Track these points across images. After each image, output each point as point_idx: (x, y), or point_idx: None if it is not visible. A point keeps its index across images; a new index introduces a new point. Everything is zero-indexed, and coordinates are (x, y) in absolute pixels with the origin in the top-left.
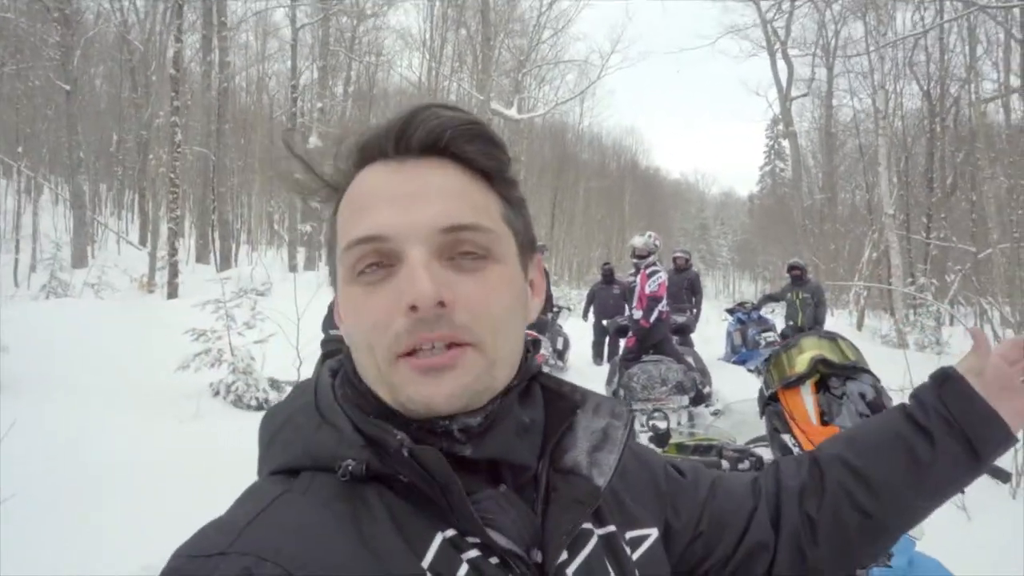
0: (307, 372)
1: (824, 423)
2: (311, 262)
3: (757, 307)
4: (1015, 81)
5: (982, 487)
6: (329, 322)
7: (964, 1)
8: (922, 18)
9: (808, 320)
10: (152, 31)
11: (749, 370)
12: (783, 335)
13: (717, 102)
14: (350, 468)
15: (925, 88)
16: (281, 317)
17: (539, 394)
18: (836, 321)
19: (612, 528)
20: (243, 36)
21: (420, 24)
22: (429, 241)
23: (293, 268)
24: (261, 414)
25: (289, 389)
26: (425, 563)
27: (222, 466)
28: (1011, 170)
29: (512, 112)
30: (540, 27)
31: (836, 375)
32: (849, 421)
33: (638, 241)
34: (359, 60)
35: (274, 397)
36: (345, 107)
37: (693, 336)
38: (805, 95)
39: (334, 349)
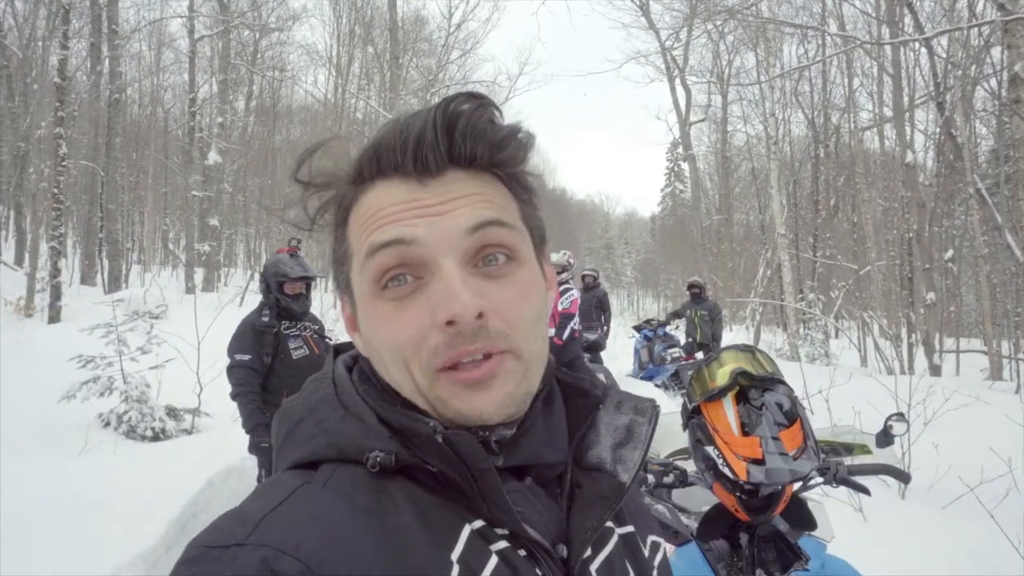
0: (208, 398)
1: (745, 433)
2: (209, 283)
3: (664, 323)
4: (888, 112)
5: (876, 491)
6: (236, 346)
7: (843, 38)
8: (806, 51)
9: (706, 336)
10: (32, 36)
11: (656, 385)
12: (687, 350)
13: (620, 126)
14: (379, 459)
15: (810, 117)
16: (179, 341)
17: (558, 392)
18: (735, 336)
19: (631, 528)
20: (136, 46)
21: (326, 40)
22: (458, 247)
23: (191, 290)
24: (157, 445)
25: (188, 418)
26: (454, 555)
27: (114, 504)
28: (885, 194)
29: None
30: (448, 47)
31: (755, 387)
32: (768, 431)
33: (553, 258)
34: (261, 75)
35: (172, 427)
36: (247, 122)
37: (602, 353)
38: (703, 120)
39: (344, 344)
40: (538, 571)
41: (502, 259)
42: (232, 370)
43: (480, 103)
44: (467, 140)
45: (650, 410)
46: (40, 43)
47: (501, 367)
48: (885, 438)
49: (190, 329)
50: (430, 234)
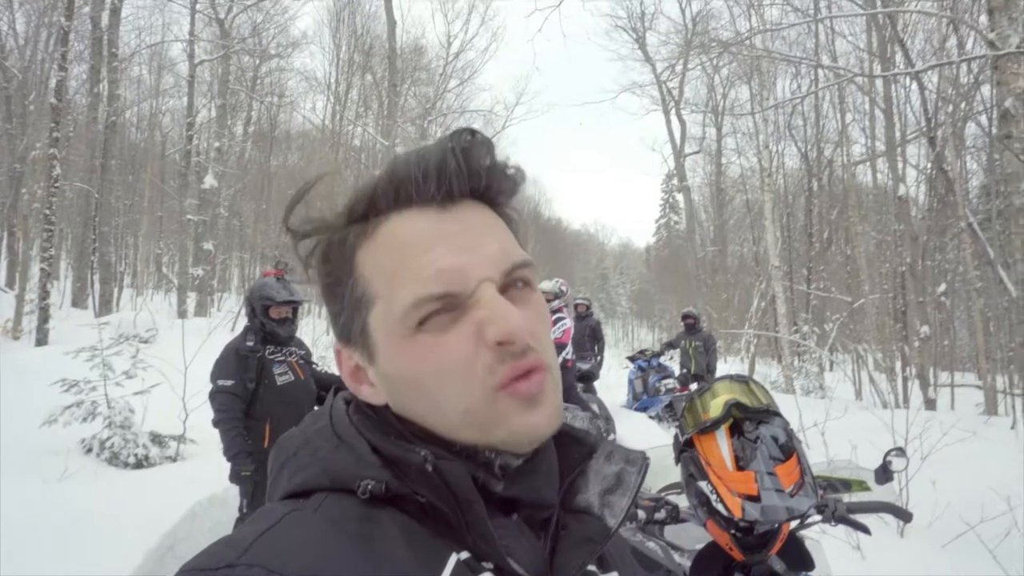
0: (194, 424)
1: (739, 468)
2: (202, 308)
3: (659, 354)
4: (880, 146)
5: (874, 528)
6: (219, 371)
7: (835, 71)
8: (799, 87)
9: (700, 367)
10: (33, 58)
11: (650, 417)
12: (681, 381)
13: (616, 157)
14: (370, 487)
15: (803, 150)
16: (166, 366)
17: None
18: (729, 368)
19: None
20: (136, 69)
21: (325, 67)
22: (495, 280)
23: (183, 314)
24: (140, 473)
25: (173, 444)
26: None
27: (91, 532)
28: (878, 227)
29: None
30: (446, 76)
31: (749, 419)
32: (763, 465)
33: (546, 285)
34: (260, 100)
35: (156, 453)
36: (245, 147)
37: (596, 383)
38: (697, 152)
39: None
40: None
41: (521, 285)
42: (215, 396)
43: (485, 139)
44: (482, 170)
45: (640, 460)
46: (40, 65)
47: (545, 382)
48: (885, 474)
49: (178, 354)
50: (467, 266)
